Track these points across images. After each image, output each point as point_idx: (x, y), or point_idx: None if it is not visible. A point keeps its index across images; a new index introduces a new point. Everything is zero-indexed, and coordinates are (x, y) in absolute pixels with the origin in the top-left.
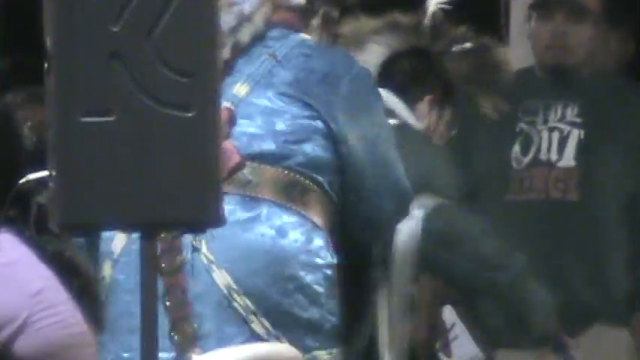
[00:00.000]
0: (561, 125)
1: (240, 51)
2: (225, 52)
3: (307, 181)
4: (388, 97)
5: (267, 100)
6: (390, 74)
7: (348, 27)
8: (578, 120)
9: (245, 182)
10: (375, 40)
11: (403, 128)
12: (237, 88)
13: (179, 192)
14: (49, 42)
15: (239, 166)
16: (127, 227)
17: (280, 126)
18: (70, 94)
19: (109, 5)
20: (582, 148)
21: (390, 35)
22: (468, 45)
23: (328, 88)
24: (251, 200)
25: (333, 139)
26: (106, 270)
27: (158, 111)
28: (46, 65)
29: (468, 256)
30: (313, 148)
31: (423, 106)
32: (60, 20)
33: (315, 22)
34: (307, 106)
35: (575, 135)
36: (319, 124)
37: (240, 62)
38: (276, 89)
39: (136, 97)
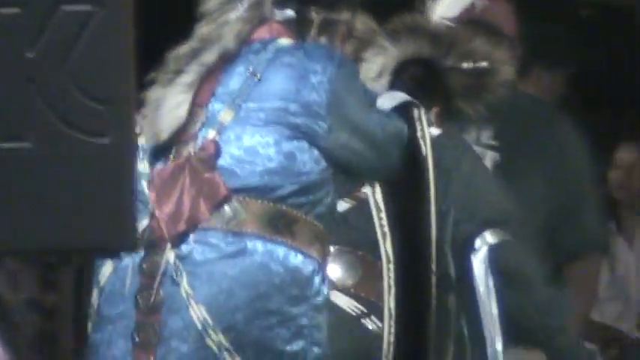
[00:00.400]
0: (476, 147)
1: (226, 59)
2: (210, 58)
3: (294, 211)
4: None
5: (251, 126)
6: (399, 81)
7: (360, 27)
8: (494, 142)
9: (230, 217)
10: (387, 44)
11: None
12: (222, 115)
13: (94, 218)
14: None
15: (225, 200)
16: (41, 253)
17: (265, 156)
18: None
19: (25, 30)
20: (498, 171)
21: (403, 41)
22: (483, 64)
23: (310, 95)
24: (235, 234)
25: (322, 148)
26: (94, 298)
27: (73, 137)
28: None
29: (526, 297)
30: (302, 171)
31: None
32: None
33: (315, 30)
34: (291, 126)
35: (490, 157)
36: (304, 142)
37: (224, 79)
38: (259, 113)
39: (51, 123)
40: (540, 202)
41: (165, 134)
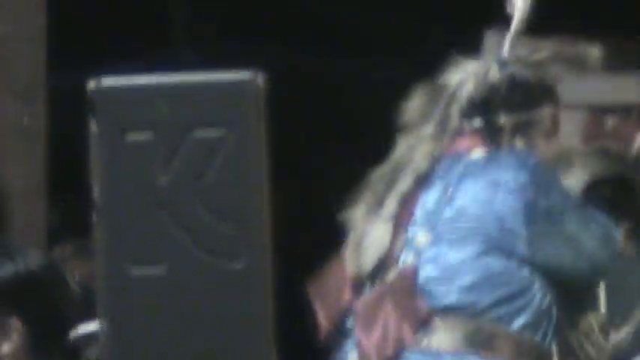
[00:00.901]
0: None
1: (421, 182)
2: (406, 184)
3: (494, 325)
4: None
5: (446, 245)
6: (589, 199)
7: (553, 148)
8: None
9: (429, 337)
10: (579, 163)
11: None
12: (419, 238)
13: (229, 346)
14: (95, 192)
15: (426, 321)
16: None
17: (462, 272)
18: (118, 244)
19: (157, 155)
20: None
21: (595, 160)
22: None
23: (503, 206)
24: (433, 354)
25: (523, 258)
26: None
27: (207, 261)
28: (93, 216)
29: None
30: (499, 282)
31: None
32: (106, 170)
33: (508, 136)
34: (486, 239)
35: None
36: (501, 254)
37: (421, 199)
38: (453, 230)
39: (185, 248)
40: None
41: (369, 266)
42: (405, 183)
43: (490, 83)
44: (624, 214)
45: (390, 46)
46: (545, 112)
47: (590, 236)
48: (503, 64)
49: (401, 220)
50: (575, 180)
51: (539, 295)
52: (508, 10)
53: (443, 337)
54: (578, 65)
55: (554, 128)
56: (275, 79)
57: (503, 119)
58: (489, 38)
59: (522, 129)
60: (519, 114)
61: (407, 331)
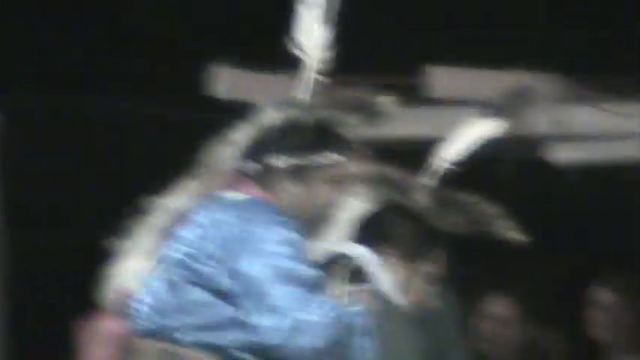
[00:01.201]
0: None
1: (178, 219)
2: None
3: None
4: (366, 257)
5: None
6: (366, 229)
7: (334, 170)
8: None
9: None
10: (359, 189)
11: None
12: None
13: None
14: None
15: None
16: None
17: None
18: None
19: None
20: None
21: (376, 187)
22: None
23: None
24: None
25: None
26: None
27: None
28: None
29: None
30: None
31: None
32: None
33: (282, 179)
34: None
35: None
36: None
37: (175, 236)
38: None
39: None
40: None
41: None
42: (162, 219)
43: (266, 126)
44: (398, 243)
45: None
46: (327, 157)
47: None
48: (279, 107)
49: (155, 255)
50: (352, 212)
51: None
52: (298, 53)
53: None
54: (367, 113)
55: (340, 175)
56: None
57: (277, 162)
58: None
59: (299, 173)
60: (295, 158)
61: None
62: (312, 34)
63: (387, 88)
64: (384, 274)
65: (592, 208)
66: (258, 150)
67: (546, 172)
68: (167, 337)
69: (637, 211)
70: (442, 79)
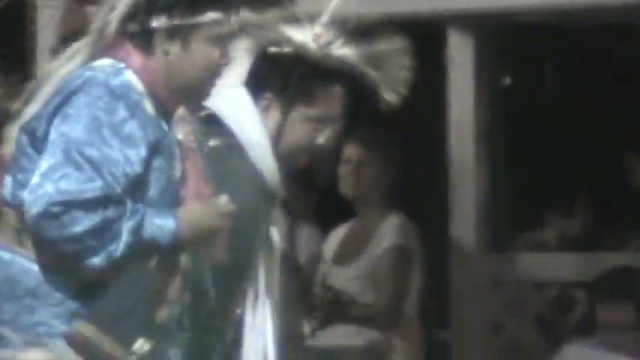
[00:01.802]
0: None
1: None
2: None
3: None
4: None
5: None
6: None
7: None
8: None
9: None
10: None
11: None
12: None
13: None
14: None
15: None
16: None
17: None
18: None
19: None
20: None
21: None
22: None
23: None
24: None
25: None
26: None
27: None
28: None
29: None
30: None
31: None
32: None
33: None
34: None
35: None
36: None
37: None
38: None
39: None
40: None
41: None
42: (43, 93)
43: None
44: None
45: None
46: (209, 17)
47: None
48: None
49: None
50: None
51: None
52: None
53: None
54: None
55: (219, 34)
56: None
57: (157, 23)
58: None
59: (179, 34)
60: (177, 18)
61: None
62: None
63: None
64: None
65: None
66: (137, 12)
67: None
68: None
69: None
70: None
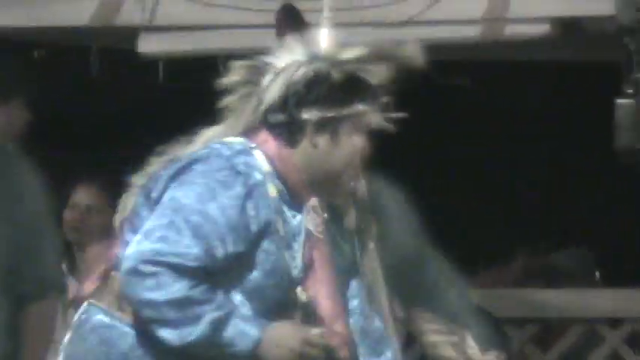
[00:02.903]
0: None
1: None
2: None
3: None
4: None
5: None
6: None
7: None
8: None
9: None
10: None
11: None
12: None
13: None
14: None
15: None
16: None
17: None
18: None
19: None
20: None
21: None
22: None
23: None
24: None
25: None
26: None
27: None
28: None
29: None
30: None
31: None
32: None
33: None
34: None
35: None
36: None
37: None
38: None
39: None
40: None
41: None
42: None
43: (294, 80)
44: None
45: None
46: (358, 108)
47: None
48: (309, 60)
49: None
50: None
51: None
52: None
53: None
54: (394, 61)
55: (365, 124)
56: None
57: (308, 115)
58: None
59: (328, 125)
60: (325, 111)
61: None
62: None
63: None
64: None
65: None
66: (283, 104)
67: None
68: None
69: None
70: None
